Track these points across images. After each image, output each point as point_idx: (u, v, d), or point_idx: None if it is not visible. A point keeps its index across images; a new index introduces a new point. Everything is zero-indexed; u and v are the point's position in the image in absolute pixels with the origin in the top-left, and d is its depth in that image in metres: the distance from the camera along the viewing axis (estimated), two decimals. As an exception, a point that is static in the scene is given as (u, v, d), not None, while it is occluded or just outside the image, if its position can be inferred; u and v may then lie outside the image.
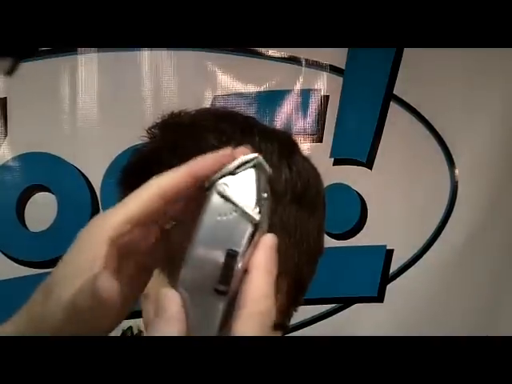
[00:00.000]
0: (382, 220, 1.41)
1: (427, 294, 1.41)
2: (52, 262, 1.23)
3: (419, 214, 1.42)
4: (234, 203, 0.38)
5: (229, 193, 0.38)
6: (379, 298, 1.41)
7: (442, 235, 1.42)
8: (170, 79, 1.31)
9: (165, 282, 0.51)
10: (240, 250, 0.37)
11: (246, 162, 0.40)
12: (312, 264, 0.63)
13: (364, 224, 1.40)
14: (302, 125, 1.36)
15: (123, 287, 0.39)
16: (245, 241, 0.38)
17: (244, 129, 0.59)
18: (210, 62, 1.33)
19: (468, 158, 1.42)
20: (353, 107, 1.38)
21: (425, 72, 1.39)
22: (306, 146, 1.35)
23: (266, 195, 0.40)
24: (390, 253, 1.41)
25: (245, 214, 0.38)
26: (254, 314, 0.37)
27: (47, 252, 1.24)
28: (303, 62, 1.36)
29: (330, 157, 1.38)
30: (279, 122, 1.35)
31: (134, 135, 0.64)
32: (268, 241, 0.39)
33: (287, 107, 1.36)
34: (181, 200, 0.41)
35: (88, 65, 1.29)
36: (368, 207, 1.40)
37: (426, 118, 1.40)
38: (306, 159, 0.63)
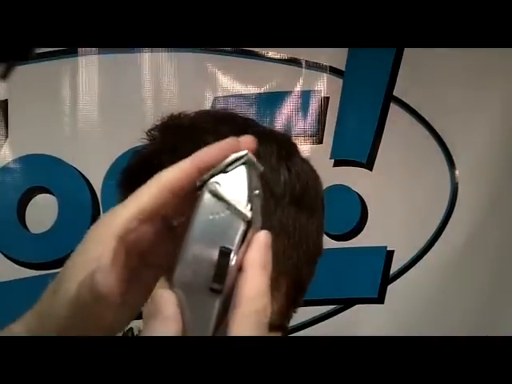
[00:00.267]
0: (383, 221, 1.40)
1: (428, 294, 1.41)
2: (53, 264, 1.24)
3: (419, 214, 1.42)
4: (226, 201, 0.38)
5: (220, 191, 0.38)
6: (380, 299, 1.41)
7: (442, 236, 1.41)
8: (170, 81, 1.31)
9: (162, 281, 0.51)
10: (233, 247, 0.37)
11: (237, 160, 0.40)
12: (311, 265, 0.63)
13: (364, 225, 1.40)
14: (302, 126, 1.36)
15: (130, 285, 0.39)
16: (238, 238, 0.38)
17: (243, 131, 0.59)
18: (210, 64, 1.33)
19: (468, 158, 1.41)
20: (353, 108, 1.38)
21: (425, 73, 1.38)
22: (306, 148, 1.35)
23: (257, 192, 0.40)
24: (390, 254, 1.41)
25: (237, 212, 0.38)
26: (250, 313, 0.36)
27: (48, 253, 1.24)
28: (303, 64, 1.36)
29: (331, 158, 1.38)
30: (279, 124, 1.35)
31: (134, 137, 0.64)
32: (262, 238, 0.39)
33: (287, 109, 1.36)
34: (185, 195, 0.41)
35: (88, 67, 1.29)
36: (368, 208, 1.40)
37: (426, 118, 1.40)
38: (304, 161, 0.63)
